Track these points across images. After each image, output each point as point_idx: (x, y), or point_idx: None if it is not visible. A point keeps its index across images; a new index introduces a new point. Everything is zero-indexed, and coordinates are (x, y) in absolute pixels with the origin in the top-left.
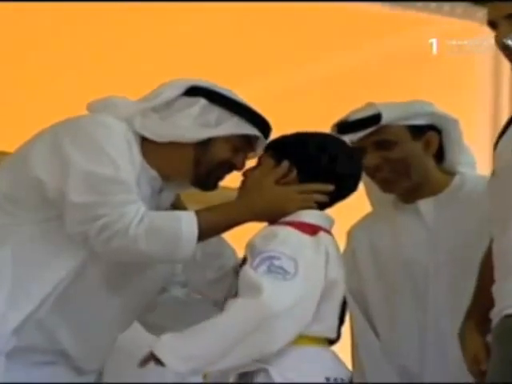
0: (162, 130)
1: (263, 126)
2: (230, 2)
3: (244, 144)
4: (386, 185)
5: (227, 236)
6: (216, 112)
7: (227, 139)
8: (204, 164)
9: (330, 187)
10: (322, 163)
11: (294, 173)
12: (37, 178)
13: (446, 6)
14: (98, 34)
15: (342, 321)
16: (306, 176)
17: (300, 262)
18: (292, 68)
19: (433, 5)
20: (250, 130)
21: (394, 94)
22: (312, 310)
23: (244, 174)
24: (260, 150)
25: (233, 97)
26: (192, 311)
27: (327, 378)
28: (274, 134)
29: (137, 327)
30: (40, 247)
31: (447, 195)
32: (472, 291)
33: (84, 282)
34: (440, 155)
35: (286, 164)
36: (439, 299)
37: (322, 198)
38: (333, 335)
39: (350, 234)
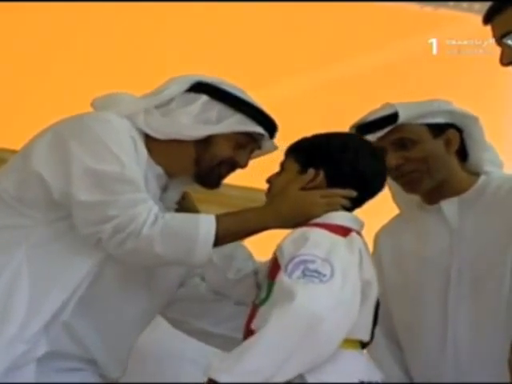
0: (163, 127)
1: (268, 123)
2: (253, 3)
3: (248, 141)
4: (408, 185)
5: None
6: (217, 108)
7: (229, 136)
8: (205, 161)
9: (353, 193)
10: (346, 164)
11: (321, 177)
12: (40, 177)
13: (464, 3)
14: (105, 31)
15: (375, 323)
16: (333, 178)
17: (335, 264)
18: (313, 69)
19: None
20: (252, 127)
21: (417, 95)
22: (357, 309)
23: (268, 181)
24: (268, 148)
25: (236, 93)
26: (212, 307)
27: (361, 381)
28: (299, 134)
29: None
30: (56, 247)
31: (471, 195)
32: (495, 294)
33: (104, 281)
34: (463, 154)
35: (311, 171)
36: (459, 303)
37: (346, 203)
38: (366, 337)
39: (377, 238)
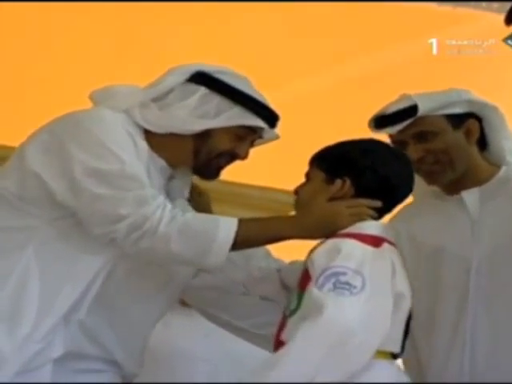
0: (160, 121)
1: (268, 114)
2: (261, 3)
3: (247, 133)
4: (430, 177)
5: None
6: (216, 101)
7: (228, 129)
8: (204, 154)
9: (378, 203)
10: (371, 170)
11: (348, 185)
12: (38, 176)
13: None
14: (106, 28)
15: (406, 335)
16: (359, 186)
17: (367, 275)
18: (321, 69)
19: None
20: (251, 120)
21: None
22: (388, 320)
23: (295, 192)
24: (269, 137)
25: (236, 85)
26: (238, 301)
27: None
28: (303, 135)
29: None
30: (63, 245)
31: (493, 186)
32: None
33: (118, 279)
34: (484, 144)
35: (338, 182)
36: (479, 294)
37: (371, 213)
38: (397, 349)
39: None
